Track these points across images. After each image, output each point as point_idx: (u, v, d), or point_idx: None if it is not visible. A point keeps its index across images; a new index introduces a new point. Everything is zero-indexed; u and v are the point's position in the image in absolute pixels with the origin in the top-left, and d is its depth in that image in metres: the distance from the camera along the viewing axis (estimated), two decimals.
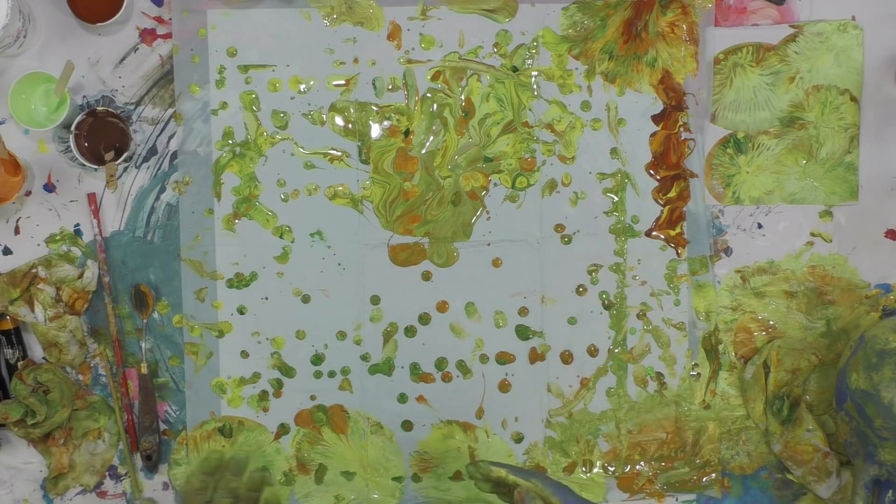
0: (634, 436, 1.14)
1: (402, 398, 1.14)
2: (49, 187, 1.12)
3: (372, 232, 1.13)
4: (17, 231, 1.11)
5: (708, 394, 1.14)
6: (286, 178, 1.13)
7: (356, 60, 1.12)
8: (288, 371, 1.13)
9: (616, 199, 1.14)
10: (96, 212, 1.11)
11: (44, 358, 1.11)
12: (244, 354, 1.13)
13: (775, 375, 1.12)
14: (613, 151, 1.13)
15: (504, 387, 1.14)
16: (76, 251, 1.12)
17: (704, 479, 1.14)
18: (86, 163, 1.08)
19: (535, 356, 1.14)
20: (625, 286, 1.14)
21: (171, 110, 1.12)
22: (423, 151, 1.13)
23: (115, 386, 1.12)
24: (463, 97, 1.13)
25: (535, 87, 1.13)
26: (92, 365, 1.12)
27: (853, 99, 1.13)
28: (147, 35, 1.11)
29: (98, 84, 1.11)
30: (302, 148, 1.13)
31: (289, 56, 1.12)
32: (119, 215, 1.12)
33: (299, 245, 1.13)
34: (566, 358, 1.14)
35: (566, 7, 1.13)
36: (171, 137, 1.12)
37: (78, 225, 1.12)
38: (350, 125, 1.13)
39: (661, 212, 1.14)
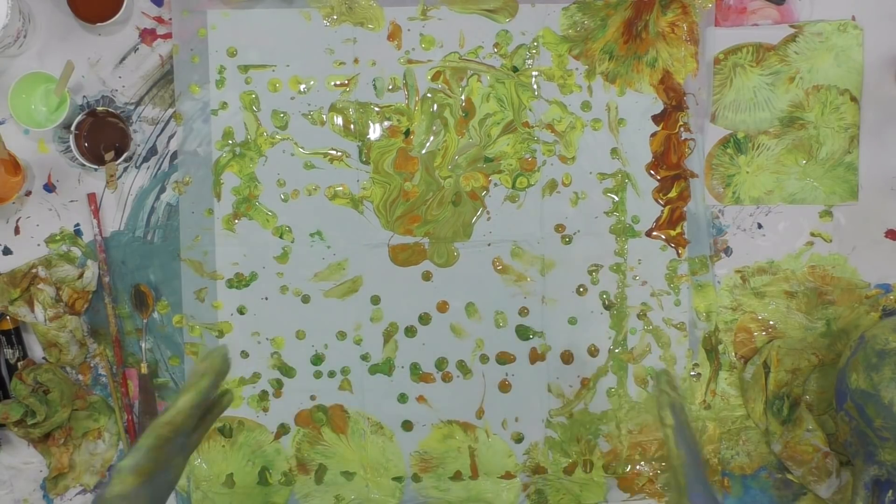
0: (635, 436, 1.14)
1: (402, 398, 1.14)
2: (49, 187, 1.11)
3: (372, 232, 1.13)
4: (17, 231, 1.11)
5: (708, 394, 1.14)
6: (286, 178, 1.12)
7: (356, 60, 1.12)
8: (288, 371, 1.13)
9: (616, 199, 1.14)
10: (96, 212, 1.11)
11: (44, 358, 1.11)
12: (244, 354, 1.13)
13: (775, 375, 1.12)
14: (614, 151, 1.13)
15: (504, 387, 1.14)
16: (76, 251, 1.12)
17: None
18: (86, 163, 1.08)
19: (536, 356, 1.14)
20: (625, 286, 1.14)
21: (171, 110, 1.12)
22: (424, 151, 1.13)
23: (115, 386, 1.12)
24: (463, 97, 1.13)
25: (535, 87, 1.13)
26: (92, 365, 1.12)
27: (853, 99, 1.13)
28: (147, 35, 1.11)
29: (98, 84, 1.11)
30: (302, 148, 1.13)
31: (289, 56, 1.12)
32: (119, 215, 1.12)
33: (299, 245, 1.13)
34: (566, 358, 1.14)
35: (566, 7, 1.13)
36: (171, 137, 1.12)
37: (78, 225, 1.12)
38: (350, 125, 1.13)
39: (662, 212, 1.14)
